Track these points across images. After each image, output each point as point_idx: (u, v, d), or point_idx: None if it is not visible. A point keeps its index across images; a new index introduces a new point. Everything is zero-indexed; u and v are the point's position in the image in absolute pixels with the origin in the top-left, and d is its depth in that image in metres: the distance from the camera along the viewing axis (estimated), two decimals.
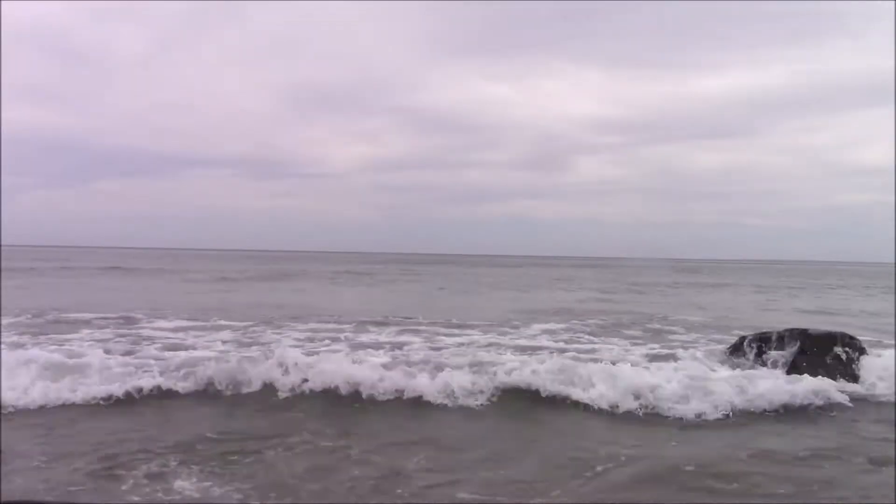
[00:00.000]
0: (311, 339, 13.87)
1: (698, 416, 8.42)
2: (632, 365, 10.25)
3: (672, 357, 11.64)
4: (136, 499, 5.55)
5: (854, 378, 10.73)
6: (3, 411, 7.92)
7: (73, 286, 32.27)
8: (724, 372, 10.39)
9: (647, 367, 10.24)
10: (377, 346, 13.09)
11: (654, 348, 13.78)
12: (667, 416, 8.42)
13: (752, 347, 11.98)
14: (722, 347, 13.40)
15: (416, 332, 15.47)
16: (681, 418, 8.39)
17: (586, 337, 15.55)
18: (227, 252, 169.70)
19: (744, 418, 8.50)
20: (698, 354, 12.09)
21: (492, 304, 25.41)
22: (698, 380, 9.46)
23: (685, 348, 13.31)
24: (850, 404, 9.06)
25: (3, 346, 10.48)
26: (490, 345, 13.52)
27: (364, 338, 14.46)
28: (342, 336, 14.61)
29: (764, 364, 11.34)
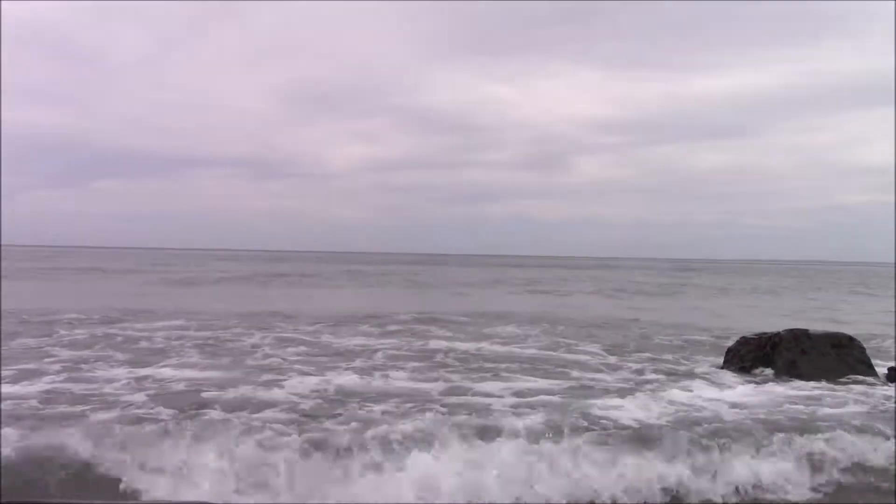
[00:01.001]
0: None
1: None
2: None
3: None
4: (137, 499, 5.51)
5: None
6: None
7: (53, 287, 32.02)
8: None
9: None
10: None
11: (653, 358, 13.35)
12: None
13: (752, 350, 11.78)
14: (708, 350, 13.22)
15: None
16: None
17: (562, 341, 14.97)
18: (227, 252, 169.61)
19: None
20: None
21: (475, 307, 24.62)
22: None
23: (681, 357, 13.04)
24: None
25: None
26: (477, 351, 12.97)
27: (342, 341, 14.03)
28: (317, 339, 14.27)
29: (769, 367, 11.18)
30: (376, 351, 12.63)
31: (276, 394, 8.47)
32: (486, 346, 13.83)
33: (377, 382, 9.57)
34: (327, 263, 77.79)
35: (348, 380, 9.58)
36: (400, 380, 9.93)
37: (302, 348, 12.83)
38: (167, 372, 9.98)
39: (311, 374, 9.95)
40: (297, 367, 10.75)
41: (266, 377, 9.67)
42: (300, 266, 66.04)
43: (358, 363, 11.30)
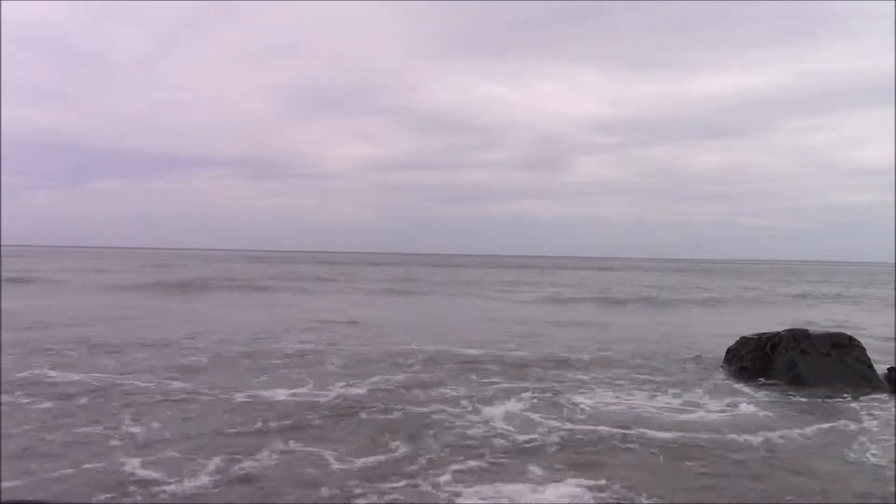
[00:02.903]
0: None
1: None
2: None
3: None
4: (136, 499, 5.48)
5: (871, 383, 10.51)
6: None
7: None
8: None
9: None
10: None
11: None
12: None
13: (752, 351, 11.73)
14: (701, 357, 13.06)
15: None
16: None
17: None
18: (225, 252, 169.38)
19: None
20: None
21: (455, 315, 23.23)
22: None
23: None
24: None
25: None
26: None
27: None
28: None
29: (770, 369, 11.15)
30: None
31: None
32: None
33: None
34: (311, 264, 76.11)
35: None
36: None
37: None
38: None
39: None
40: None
41: None
42: (279, 268, 63.65)
43: None
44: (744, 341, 12.17)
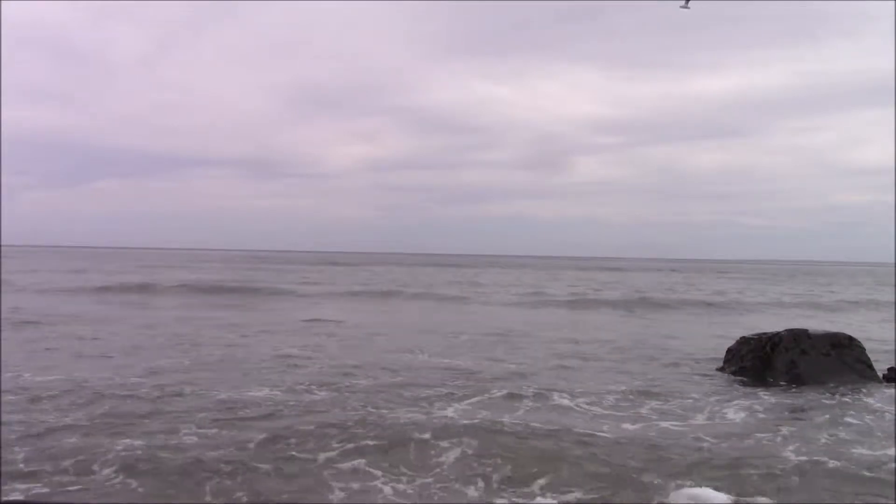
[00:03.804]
0: None
1: None
2: None
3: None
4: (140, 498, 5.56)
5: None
6: None
7: None
8: None
9: None
10: None
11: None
12: None
13: (751, 351, 11.71)
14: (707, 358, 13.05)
15: None
16: None
17: None
18: (225, 252, 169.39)
19: None
20: None
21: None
22: None
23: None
24: None
25: None
26: None
27: None
28: None
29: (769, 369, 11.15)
30: None
31: None
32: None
33: None
34: (309, 265, 75.39)
35: None
36: None
37: None
38: None
39: None
40: None
41: None
42: (278, 268, 62.68)
43: None
44: (743, 341, 12.12)
